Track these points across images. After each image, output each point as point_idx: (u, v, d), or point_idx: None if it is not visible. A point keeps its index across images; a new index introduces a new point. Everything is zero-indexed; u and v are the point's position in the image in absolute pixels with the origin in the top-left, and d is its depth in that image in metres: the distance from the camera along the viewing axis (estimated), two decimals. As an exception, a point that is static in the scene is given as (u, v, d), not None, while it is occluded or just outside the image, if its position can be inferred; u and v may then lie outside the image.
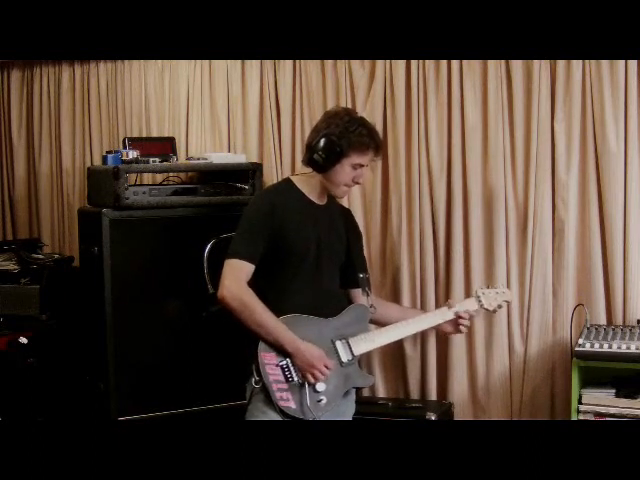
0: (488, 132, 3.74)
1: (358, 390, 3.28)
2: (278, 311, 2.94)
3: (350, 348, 3.02)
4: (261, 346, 2.92)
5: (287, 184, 3.14)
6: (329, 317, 3.03)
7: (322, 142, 2.99)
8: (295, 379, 2.91)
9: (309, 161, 3.04)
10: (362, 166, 3.04)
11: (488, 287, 3.28)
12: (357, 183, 3.08)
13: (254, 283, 2.97)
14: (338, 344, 3.01)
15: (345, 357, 3.01)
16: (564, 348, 3.63)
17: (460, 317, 3.17)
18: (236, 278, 2.92)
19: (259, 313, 2.90)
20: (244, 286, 2.93)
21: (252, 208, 3.06)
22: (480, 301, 3.21)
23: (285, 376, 2.91)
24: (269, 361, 2.91)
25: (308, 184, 3.09)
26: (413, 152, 3.85)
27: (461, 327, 3.19)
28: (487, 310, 3.24)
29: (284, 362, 2.92)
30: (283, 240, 2.99)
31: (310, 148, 3.04)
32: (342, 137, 2.97)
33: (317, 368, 2.89)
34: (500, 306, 3.26)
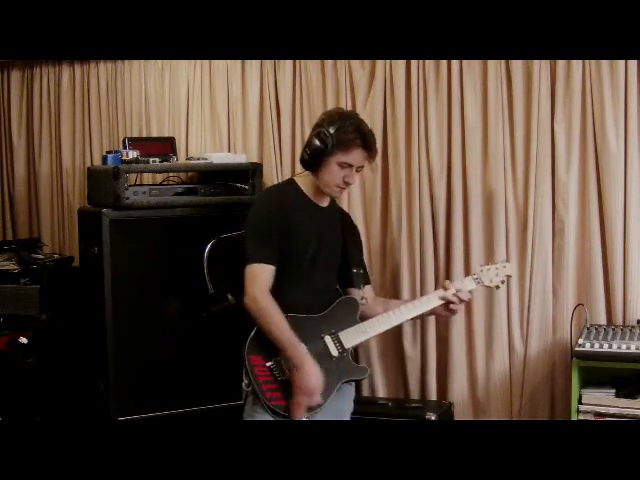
0: (488, 132, 3.74)
1: (358, 390, 3.28)
2: None
3: (340, 342, 3.02)
4: (248, 349, 2.95)
5: (290, 184, 3.16)
6: (318, 313, 3.04)
7: (309, 140, 3.02)
8: (284, 377, 2.92)
9: (300, 159, 3.08)
10: (351, 166, 3.01)
11: (488, 264, 3.21)
12: (347, 183, 3.04)
13: None
14: (327, 339, 3.02)
15: (335, 351, 3.01)
16: (564, 348, 3.64)
17: (451, 300, 3.10)
18: (257, 285, 2.94)
19: (275, 323, 2.91)
20: (264, 293, 2.94)
21: (260, 209, 3.05)
22: (478, 279, 3.15)
23: (274, 376, 2.93)
24: (256, 363, 2.94)
25: (309, 184, 3.11)
26: (413, 152, 3.85)
27: (453, 307, 3.11)
28: (489, 287, 3.18)
29: (271, 362, 2.94)
30: (287, 239, 3.00)
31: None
32: (328, 135, 2.97)
33: (307, 397, 2.88)
34: (503, 282, 3.18)
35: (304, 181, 3.12)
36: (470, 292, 3.17)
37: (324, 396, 2.94)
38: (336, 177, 3.02)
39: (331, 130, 2.97)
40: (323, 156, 2.98)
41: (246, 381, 2.95)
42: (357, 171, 3.06)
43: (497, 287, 3.20)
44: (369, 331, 3.08)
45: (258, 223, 3.01)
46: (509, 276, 3.22)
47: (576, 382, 3.32)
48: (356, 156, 3.01)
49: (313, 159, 3.01)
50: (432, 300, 3.14)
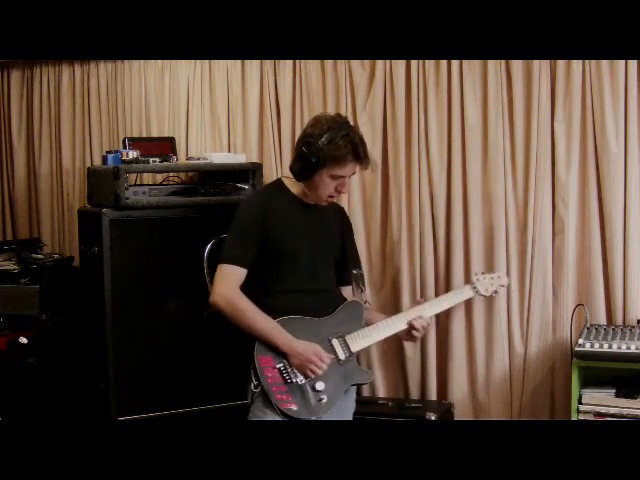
0: (488, 132, 3.74)
1: (358, 389, 3.28)
2: (275, 312, 2.97)
3: (347, 345, 3.03)
4: (258, 350, 2.94)
5: (278, 185, 3.15)
6: (324, 316, 3.04)
7: (299, 153, 2.98)
8: (294, 380, 2.91)
9: (290, 169, 3.05)
10: (343, 177, 2.99)
11: (483, 273, 3.36)
12: (339, 192, 3.04)
13: (252, 285, 2.98)
14: (334, 342, 3.02)
15: (342, 355, 3.01)
16: (564, 348, 3.64)
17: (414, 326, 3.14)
18: (226, 283, 2.97)
19: (249, 316, 2.93)
20: (234, 289, 2.96)
21: (242, 211, 3.07)
22: (475, 287, 3.30)
23: (283, 378, 2.92)
24: (266, 364, 2.93)
25: (298, 185, 3.09)
26: (413, 152, 3.85)
27: (415, 333, 3.13)
28: (483, 296, 3.33)
29: (281, 364, 2.93)
30: (275, 242, 3.01)
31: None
32: (319, 149, 2.92)
33: (313, 363, 2.91)
34: (496, 291, 3.34)
35: (292, 181, 3.09)
36: (430, 318, 3.21)
37: (331, 399, 2.94)
38: (328, 188, 3.00)
39: (321, 144, 2.91)
40: (315, 171, 2.96)
41: (255, 382, 2.92)
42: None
43: (491, 296, 3.38)
44: (374, 335, 3.09)
45: (236, 226, 3.04)
46: (502, 286, 3.36)
47: (576, 382, 3.33)
48: (349, 169, 3.00)
49: (303, 172, 2.99)
50: (400, 321, 3.14)
